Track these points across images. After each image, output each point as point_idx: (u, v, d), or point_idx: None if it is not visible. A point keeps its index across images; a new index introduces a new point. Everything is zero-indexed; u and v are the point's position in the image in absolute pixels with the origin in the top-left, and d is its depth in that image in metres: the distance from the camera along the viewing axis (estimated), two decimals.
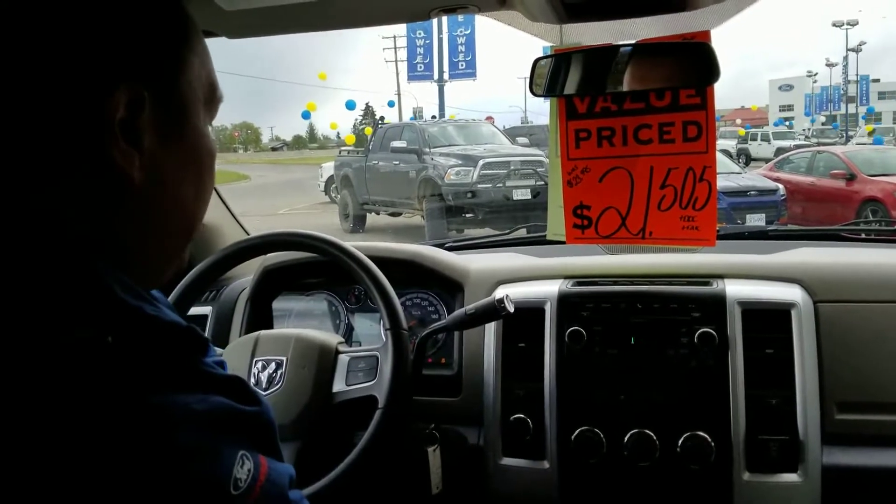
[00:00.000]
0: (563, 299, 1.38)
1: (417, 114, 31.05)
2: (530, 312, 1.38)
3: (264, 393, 1.24)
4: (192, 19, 0.64)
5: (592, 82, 1.29)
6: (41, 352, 0.49)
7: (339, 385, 1.27)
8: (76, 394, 0.49)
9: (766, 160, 16.28)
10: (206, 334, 1.59)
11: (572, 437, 1.29)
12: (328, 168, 15.44)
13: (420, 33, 26.67)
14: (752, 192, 9.34)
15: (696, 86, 1.26)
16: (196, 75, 0.63)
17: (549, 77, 1.28)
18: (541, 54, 1.30)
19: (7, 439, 0.47)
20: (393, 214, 12.15)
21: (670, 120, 1.30)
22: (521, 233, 2.08)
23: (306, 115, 26.64)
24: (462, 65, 26.47)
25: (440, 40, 26.44)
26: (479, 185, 10.09)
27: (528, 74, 1.29)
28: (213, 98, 0.67)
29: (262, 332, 1.34)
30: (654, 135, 1.31)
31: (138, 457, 0.49)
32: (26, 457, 0.47)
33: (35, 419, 0.48)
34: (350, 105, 25.49)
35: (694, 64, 1.21)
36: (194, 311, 1.58)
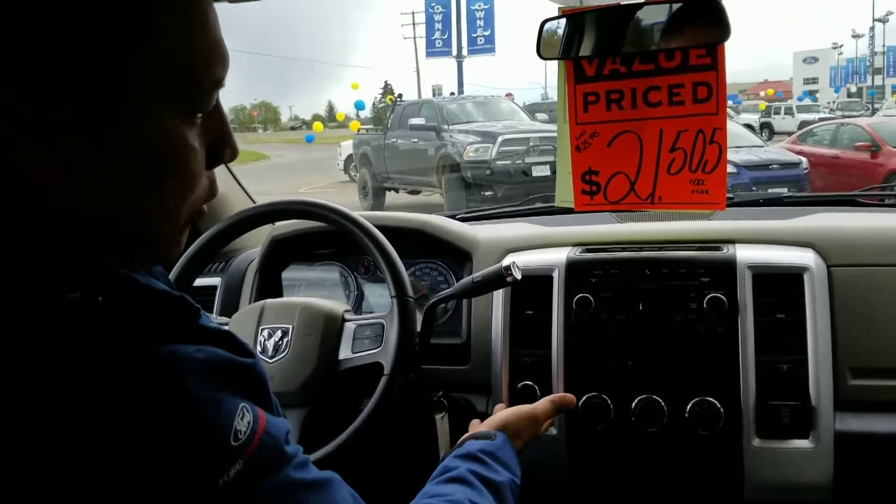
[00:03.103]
0: (572, 266, 1.37)
1: (436, 90, 30.88)
2: (538, 280, 1.37)
3: (270, 360, 1.24)
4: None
5: (602, 44, 1.26)
6: (28, 316, 0.49)
7: (345, 352, 1.27)
8: (74, 350, 0.49)
9: (790, 134, 16.00)
10: (216, 305, 1.60)
11: (580, 403, 1.28)
12: (347, 147, 15.39)
13: (438, 7, 26.44)
14: (775, 166, 9.13)
15: (707, 44, 1.23)
16: (151, 63, 0.53)
17: (565, 40, 1.26)
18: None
19: (11, 398, 0.48)
20: (412, 192, 12.12)
21: (680, 81, 1.27)
22: (534, 204, 2.06)
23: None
24: (481, 40, 26.23)
25: (458, 15, 26.20)
26: (498, 162, 10.01)
27: None
28: (191, 87, 0.56)
29: (269, 300, 1.34)
30: (664, 97, 1.28)
31: (147, 406, 0.49)
32: (32, 412, 0.47)
33: (34, 377, 0.48)
34: (359, 105, 25.61)
35: (704, 22, 1.18)
36: (203, 281, 1.59)
